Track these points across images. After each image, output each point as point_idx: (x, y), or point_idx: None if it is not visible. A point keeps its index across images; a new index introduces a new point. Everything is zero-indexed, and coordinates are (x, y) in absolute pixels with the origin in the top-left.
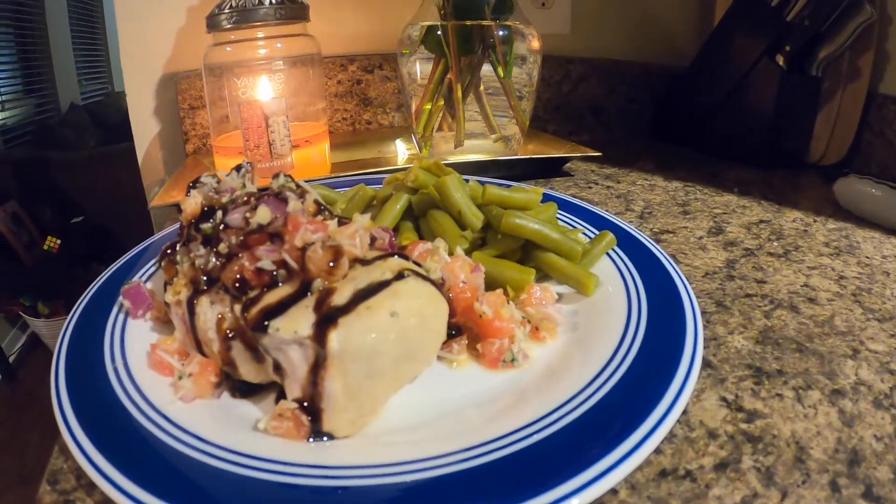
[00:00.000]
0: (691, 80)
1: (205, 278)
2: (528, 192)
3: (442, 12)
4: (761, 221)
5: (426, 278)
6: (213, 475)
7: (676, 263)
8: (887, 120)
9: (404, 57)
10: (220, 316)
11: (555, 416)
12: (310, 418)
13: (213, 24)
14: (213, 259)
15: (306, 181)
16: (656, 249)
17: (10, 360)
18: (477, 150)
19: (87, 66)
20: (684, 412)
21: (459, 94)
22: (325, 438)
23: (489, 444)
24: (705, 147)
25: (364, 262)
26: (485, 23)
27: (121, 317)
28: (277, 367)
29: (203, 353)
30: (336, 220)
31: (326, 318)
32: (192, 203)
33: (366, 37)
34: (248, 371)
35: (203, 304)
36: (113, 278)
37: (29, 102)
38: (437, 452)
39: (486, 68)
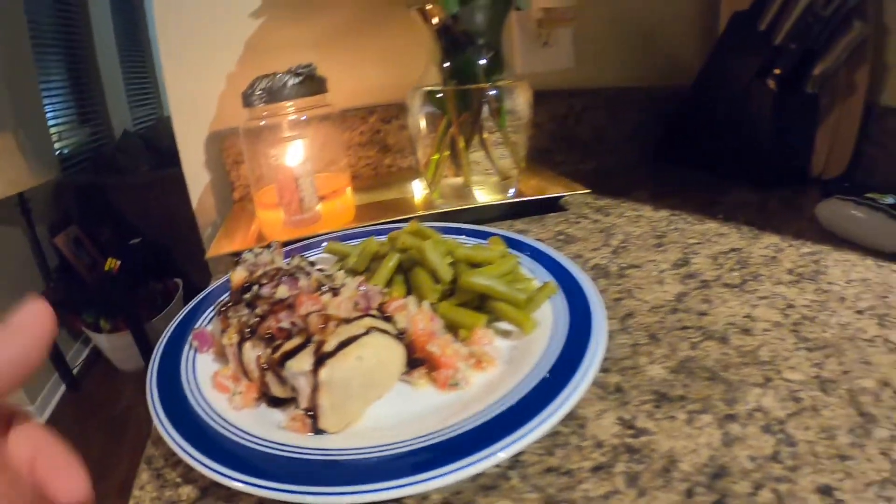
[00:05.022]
0: (692, 102)
1: (247, 330)
2: (492, 250)
3: (442, 77)
4: (732, 250)
5: (387, 332)
6: (251, 454)
7: (629, 298)
8: (888, 132)
9: (411, 116)
10: (258, 356)
11: (474, 418)
12: (311, 421)
13: (247, 102)
14: (253, 318)
15: (329, 233)
16: (591, 292)
17: (74, 371)
18: (482, 185)
19: (136, 92)
20: (583, 426)
21: (462, 145)
22: (324, 433)
23: (434, 435)
24: (710, 169)
25: (347, 321)
26: (479, 86)
27: (191, 352)
28: (293, 389)
29: (248, 379)
30: (331, 292)
31: (319, 360)
32: (238, 277)
33: (384, 88)
34: (276, 390)
35: (247, 347)
36: (184, 321)
37: (84, 131)
38: (399, 439)
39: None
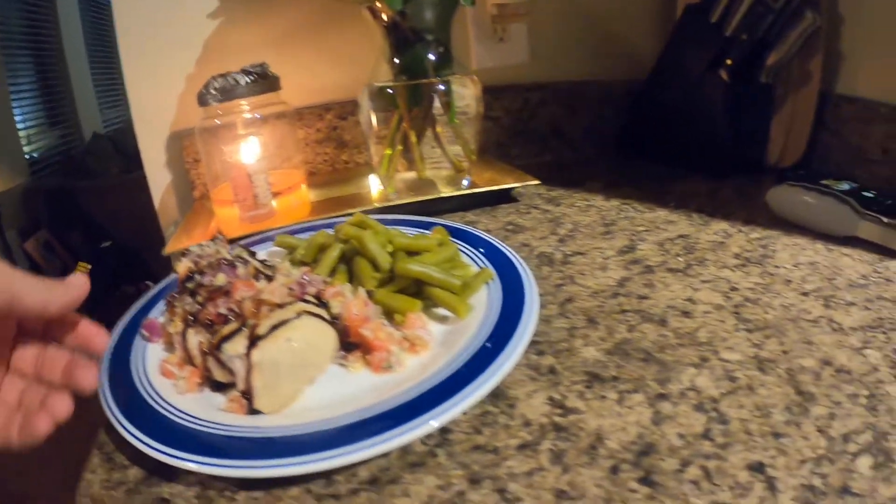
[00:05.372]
0: (648, 94)
1: (191, 318)
2: (430, 238)
3: (393, 73)
4: (680, 236)
5: (317, 316)
6: (193, 433)
7: (571, 284)
8: (843, 119)
9: (363, 113)
10: (200, 342)
11: (401, 395)
12: (247, 402)
13: (201, 101)
14: (195, 306)
15: (283, 227)
16: (527, 278)
17: None
18: (435, 178)
19: (106, 93)
20: (513, 406)
21: (414, 139)
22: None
23: (363, 411)
24: (667, 160)
25: (281, 305)
26: (428, 81)
27: (142, 342)
28: (231, 372)
29: (193, 365)
30: (265, 279)
31: (252, 342)
32: (183, 268)
33: (340, 86)
34: (218, 375)
35: (190, 334)
36: (139, 313)
37: (53, 134)
38: (332, 416)
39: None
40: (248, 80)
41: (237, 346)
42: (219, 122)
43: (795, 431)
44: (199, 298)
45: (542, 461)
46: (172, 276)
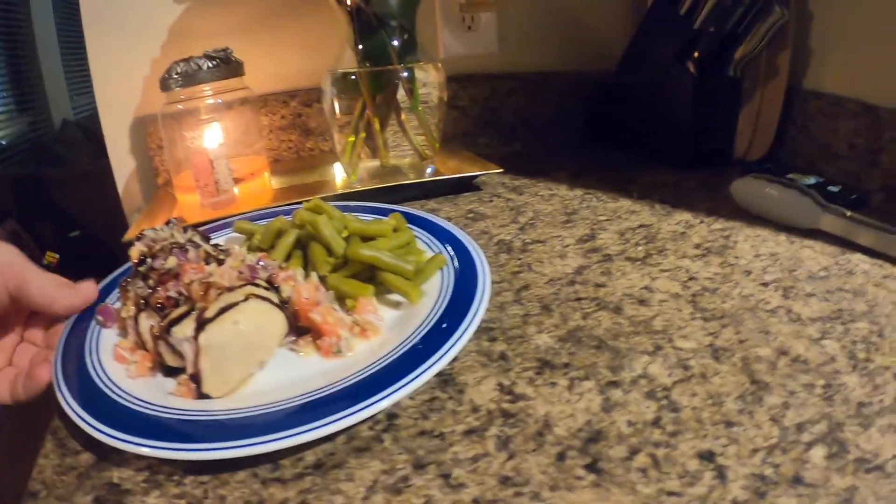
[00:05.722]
0: (616, 85)
1: (142, 302)
2: (384, 223)
3: (357, 59)
4: (641, 226)
5: (266, 299)
6: (143, 417)
7: (528, 272)
8: (810, 114)
9: (326, 99)
10: (151, 326)
11: (347, 379)
12: (195, 385)
13: (164, 86)
14: (147, 290)
15: (244, 213)
16: (481, 264)
17: None
18: (399, 165)
19: (76, 80)
20: (462, 392)
21: (377, 126)
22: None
23: (309, 394)
24: (634, 151)
25: (231, 289)
26: (392, 68)
27: (97, 327)
28: (181, 356)
29: (145, 349)
30: (215, 262)
31: (200, 325)
32: (136, 251)
33: (305, 73)
34: (170, 359)
35: (142, 318)
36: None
37: (22, 121)
38: (283, 398)
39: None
40: (211, 65)
41: (185, 329)
42: (181, 108)
43: (748, 420)
44: (151, 282)
45: (488, 447)
46: (130, 263)
